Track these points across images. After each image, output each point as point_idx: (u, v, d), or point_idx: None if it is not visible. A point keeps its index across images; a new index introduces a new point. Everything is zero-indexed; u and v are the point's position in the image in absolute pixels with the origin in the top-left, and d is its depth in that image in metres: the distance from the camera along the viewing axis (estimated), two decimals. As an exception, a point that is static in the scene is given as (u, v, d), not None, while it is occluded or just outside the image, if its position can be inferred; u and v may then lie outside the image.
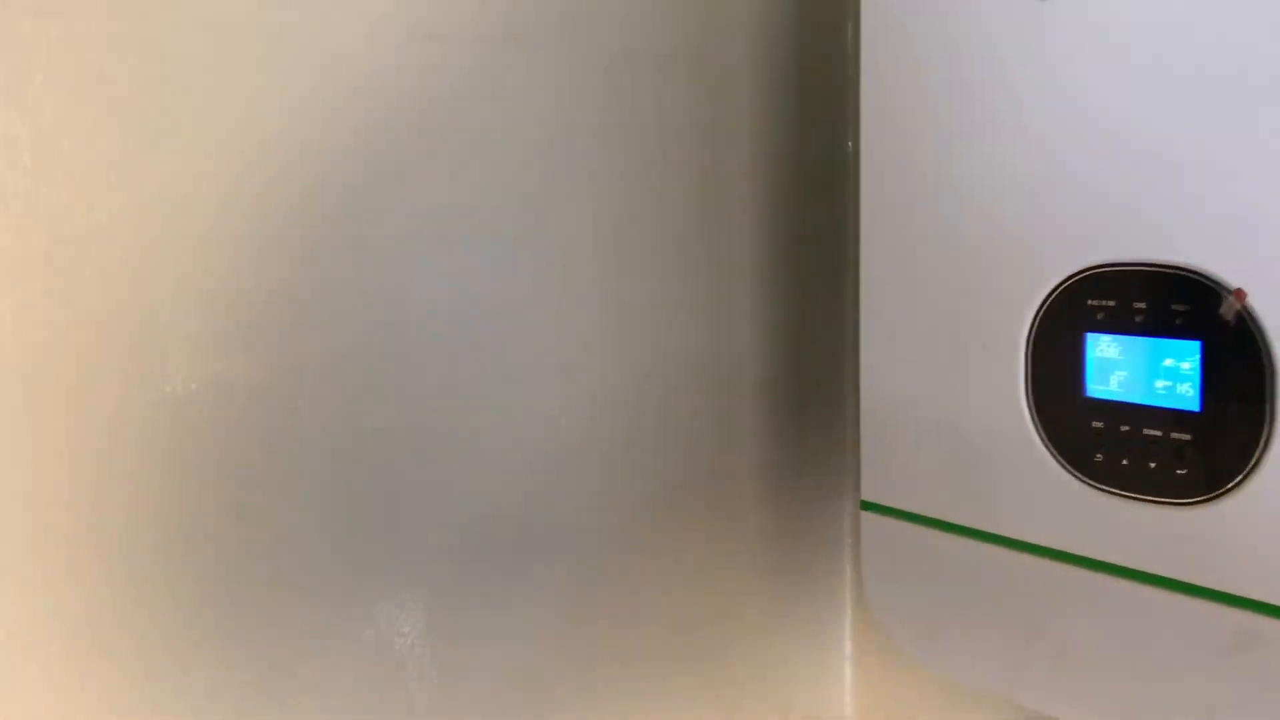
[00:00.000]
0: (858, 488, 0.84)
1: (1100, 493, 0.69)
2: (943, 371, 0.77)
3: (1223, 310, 0.62)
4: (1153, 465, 0.66)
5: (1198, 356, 0.64)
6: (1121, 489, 0.68)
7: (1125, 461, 0.68)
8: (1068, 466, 0.70)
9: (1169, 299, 0.65)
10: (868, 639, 1.04)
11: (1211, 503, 0.64)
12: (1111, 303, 0.68)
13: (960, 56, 0.74)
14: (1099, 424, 0.69)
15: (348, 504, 0.76)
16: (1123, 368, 0.68)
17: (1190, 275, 0.64)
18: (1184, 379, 0.65)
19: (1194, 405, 0.65)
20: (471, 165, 0.79)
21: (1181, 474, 0.65)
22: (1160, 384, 0.66)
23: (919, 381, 0.79)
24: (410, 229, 0.77)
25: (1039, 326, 0.71)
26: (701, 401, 0.94)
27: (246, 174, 0.70)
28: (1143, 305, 0.67)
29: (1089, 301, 0.69)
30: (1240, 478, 0.63)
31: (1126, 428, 0.68)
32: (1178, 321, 0.65)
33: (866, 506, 0.84)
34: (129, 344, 0.67)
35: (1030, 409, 0.72)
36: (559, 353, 0.85)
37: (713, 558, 0.96)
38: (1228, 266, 0.62)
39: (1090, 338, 0.69)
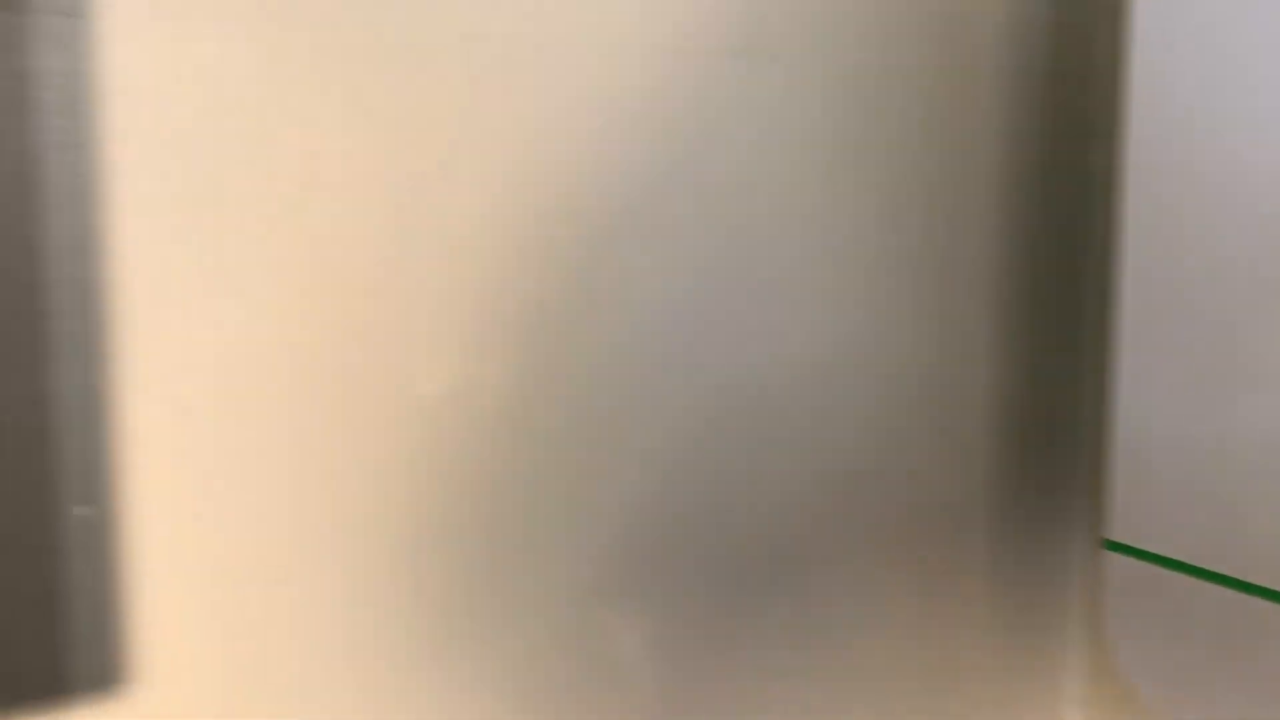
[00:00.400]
0: (1092, 519, 0.80)
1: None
2: (1213, 403, 0.71)
3: None
4: None
5: None
6: None
7: None
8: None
9: None
10: (1099, 683, 0.98)
11: None
12: None
13: (1247, 55, 0.69)
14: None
15: (587, 512, 0.77)
16: None
17: None
18: None
19: None
20: (714, 177, 0.79)
21: None
22: None
23: (1184, 412, 0.73)
24: (654, 242, 0.77)
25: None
26: (929, 423, 0.91)
27: (501, 189, 0.71)
28: None
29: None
30: None
31: None
32: None
33: (1112, 546, 0.79)
34: (386, 349, 0.69)
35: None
36: (790, 370, 0.84)
37: (935, 588, 0.93)
38: None
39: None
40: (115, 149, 0.60)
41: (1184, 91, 0.73)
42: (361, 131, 0.66)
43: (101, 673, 0.64)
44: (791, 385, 0.84)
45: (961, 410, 0.93)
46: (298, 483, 0.68)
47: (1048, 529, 0.98)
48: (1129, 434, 0.77)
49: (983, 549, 0.95)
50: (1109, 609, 0.80)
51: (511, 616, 0.76)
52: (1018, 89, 0.91)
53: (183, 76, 0.61)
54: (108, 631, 0.64)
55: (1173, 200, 0.73)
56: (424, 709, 0.74)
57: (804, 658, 0.88)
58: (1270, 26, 0.67)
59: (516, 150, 0.72)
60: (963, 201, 0.90)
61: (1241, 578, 0.70)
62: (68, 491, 0.61)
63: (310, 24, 0.64)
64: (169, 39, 0.61)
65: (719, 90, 0.78)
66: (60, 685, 0.63)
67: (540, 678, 0.77)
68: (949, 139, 0.89)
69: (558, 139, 0.73)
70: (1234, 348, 0.70)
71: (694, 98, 0.77)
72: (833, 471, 0.87)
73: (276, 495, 0.67)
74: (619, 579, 0.79)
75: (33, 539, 0.61)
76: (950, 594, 0.94)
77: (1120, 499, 0.78)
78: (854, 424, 0.88)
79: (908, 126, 0.87)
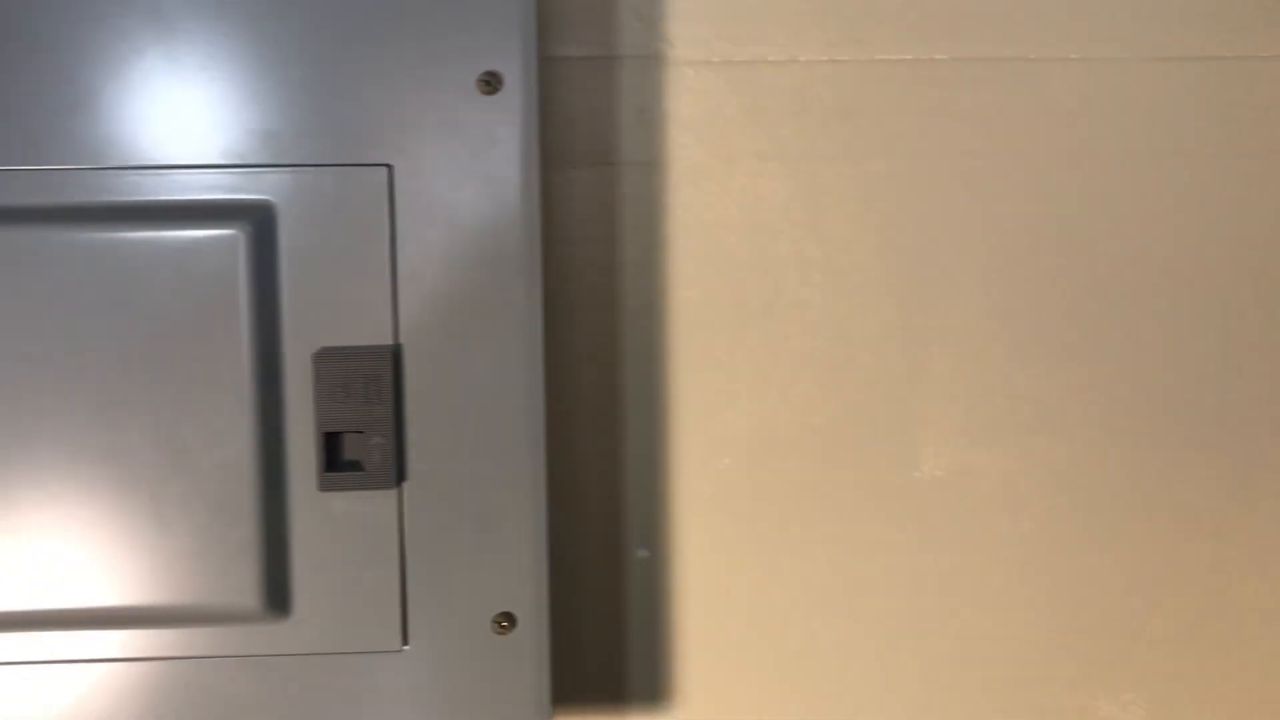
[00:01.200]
0: None
1: None
2: None
3: None
4: None
5: None
6: None
7: None
8: None
9: None
10: None
11: None
12: None
13: None
14: None
15: (1072, 601, 0.80)
16: None
17: None
18: None
19: None
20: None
21: None
22: None
23: None
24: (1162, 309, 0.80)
25: None
26: None
27: (998, 285, 0.78)
28: None
29: None
30: None
31: None
32: None
33: None
34: (893, 435, 0.78)
35: None
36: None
37: None
38: None
39: None
40: (677, 265, 0.76)
41: None
42: (874, 243, 0.77)
43: (652, 688, 0.79)
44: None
45: None
46: (806, 543, 0.79)
47: None
48: None
49: None
50: None
51: (990, 697, 0.81)
52: None
53: (731, 206, 0.76)
54: (659, 654, 0.78)
55: None
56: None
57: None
58: None
59: (1013, 258, 0.78)
60: None
61: None
62: (631, 537, 0.77)
63: (834, 159, 0.76)
64: (722, 178, 0.76)
65: (1204, 98, 0.79)
66: (620, 695, 0.78)
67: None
68: None
69: (1070, 239, 0.79)
70: None
71: (1181, 108, 0.79)
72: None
73: (791, 551, 0.78)
74: (1100, 665, 0.81)
75: (604, 575, 0.78)
76: None
77: None
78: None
79: None
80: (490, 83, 0.61)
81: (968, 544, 0.79)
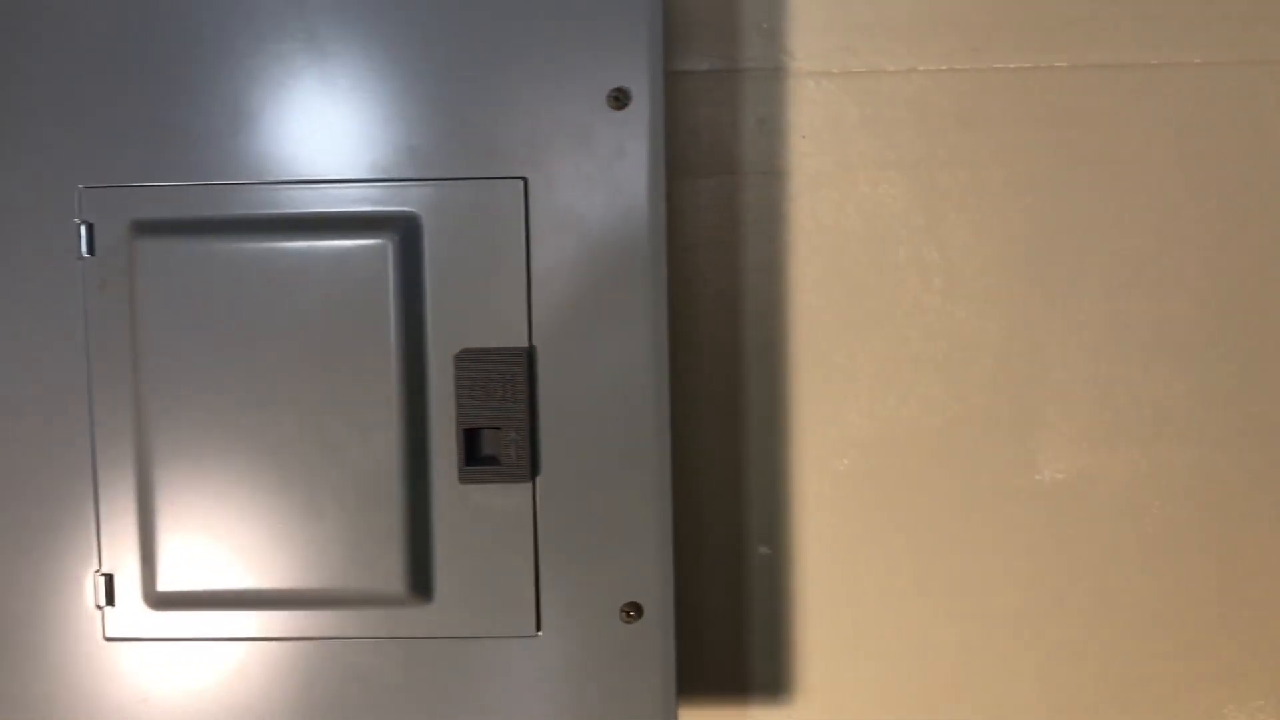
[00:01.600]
0: None
1: None
2: None
3: None
4: None
5: None
6: None
7: None
8: None
9: None
10: None
11: None
12: None
13: None
14: None
15: (1197, 607, 0.80)
16: None
17: None
18: None
19: None
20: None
21: None
22: None
23: None
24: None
25: None
26: None
27: (1119, 289, 0.79)
28: None
29: None
30: None
31: None
32: None
33: None
34: (1007, 435, 0.79)
35: None
36: None
37: None
38: None
39: None
40: (799, 271, 0.78)
41: None
42: (993, 247, 0.78)
43: (774, 680, 0.81)
44: None
45: None
46: (925, 544, 0.80)
47: None
48: None
49: None
50: None
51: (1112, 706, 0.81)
52: None
53: (851, 213, 0.78)
54: (780, 648, 0.80)
55: None
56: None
57: None
58: None
59: (1139, 258, 0.78)
60: None
61: None
62: (753, 534, 0.80)
63: (953, 165, 0.78)
64: (843, 186, 0.78)
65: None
66: (742, 688, 0.81)
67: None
68: None
69: (1191, 243, 0.79)
70: None
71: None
72: None
73: (909, 551, 0.80)
74: (1228, 676, 0.80)
75: (729, 571, 0.80)
76: None
77: None
78: None
79: None
80: (619, 98, 0.64)
81: (1088, 547, 0.80)
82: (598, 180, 0.64)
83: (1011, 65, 0.77)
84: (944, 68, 0.77)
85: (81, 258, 0.66)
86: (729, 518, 0.79)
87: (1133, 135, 0.77)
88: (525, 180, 0.65)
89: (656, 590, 0.66)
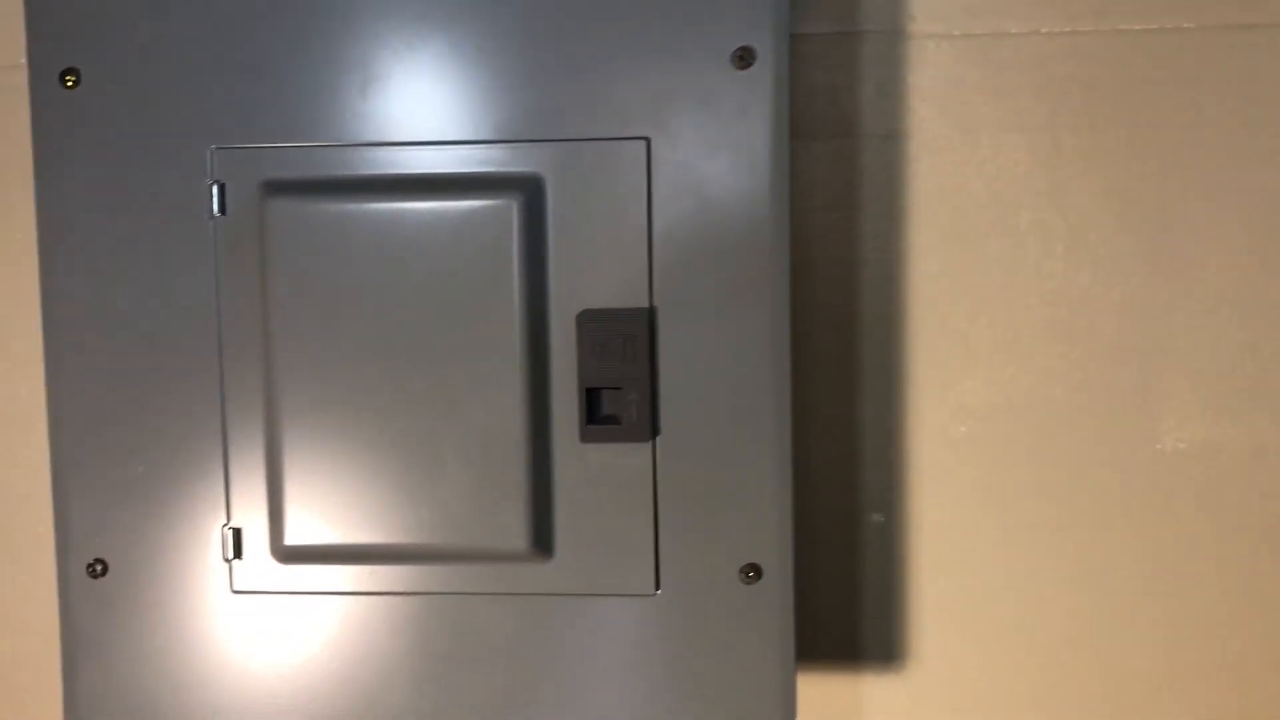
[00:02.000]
0: None
1: None
2: None
3: None
4: None
5: None
6: None
7: None
8: None
9: None
10: None
11: None
12: None
13: None
14: None
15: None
16: None
17: None
18: None
19: None
20: None
21: None
22: None
23: None
24: None
25: None
26: None
27: (1244, 254, 0.77)
28: None
29: None
30: None
31: None
32: None
33: None
34: (1128, 404, 0.78)
35: None
36: None
37: None
38: None
39: None
40: (918, 235, 0.77)
41: None
42: (1116, 212, 0.77)
43: (887, 648, 0.80)
44: None
45: None
46: (1038, 511, 0.79)
47: None
48: None
49: None
50: None
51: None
52: None
53: (971, 177, 0.77)
54: (893, 616, 0.80)
55: None
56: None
57: None
58: None
59: (1265, 223, 0.76)
60: None
61: None
62: (867, 501, 0.79)
63: (1076, 129, 0.76)
64: (963, 149, 0.77)
65: None
66: (855, 654, 0.81)
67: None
68: None
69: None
70: None
71: None
72: None
73: (1026, 520, 0.79)
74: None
75: (842, 538, 0.80)
76: None
77: None
78: None
79: None
80: (744, 58, 0.64)
81: (1209, 519, 0.78)
82: (720, 141, 0.64)
83: (1136, 27, 0.76)
84: (1067, 30, 0.76)
85: (214, 217, 0.67)
86: (843, 484, 0.79)
87: (1262, 97, 0.75)
88: (648, 140, 0.65)
89: (776, 552, 0.66)
